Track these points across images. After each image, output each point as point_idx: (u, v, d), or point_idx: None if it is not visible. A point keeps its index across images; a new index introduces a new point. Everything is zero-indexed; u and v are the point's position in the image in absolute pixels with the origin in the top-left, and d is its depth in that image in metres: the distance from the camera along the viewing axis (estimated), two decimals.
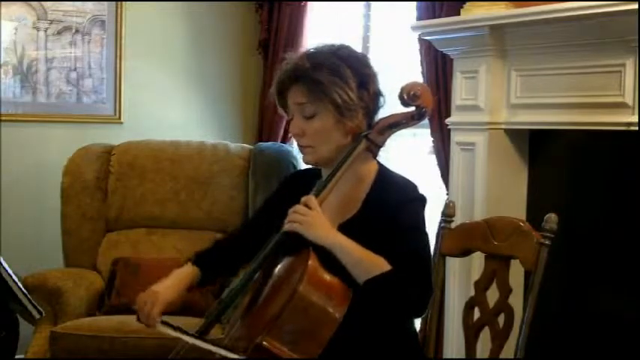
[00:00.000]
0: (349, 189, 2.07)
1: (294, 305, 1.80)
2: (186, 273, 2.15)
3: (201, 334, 2.01)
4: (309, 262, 1.86)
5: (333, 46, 2.09)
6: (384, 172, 2.11)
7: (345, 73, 2.01)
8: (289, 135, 4.52)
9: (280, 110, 2.15)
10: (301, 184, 2.14)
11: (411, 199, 2.04)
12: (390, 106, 2.11)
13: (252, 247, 2.13)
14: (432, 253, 2.06)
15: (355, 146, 2.03)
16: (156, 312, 2.04)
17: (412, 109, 2.03)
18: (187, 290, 2.16)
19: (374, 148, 2.04)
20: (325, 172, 2.11)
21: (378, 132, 2.03)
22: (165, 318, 2.06)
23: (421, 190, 2.09)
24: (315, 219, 1.95)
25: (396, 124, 2.04)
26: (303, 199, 1.98)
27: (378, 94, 2.08)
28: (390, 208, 2.00)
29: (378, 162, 2.14)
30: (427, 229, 2.05)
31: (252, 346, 1.79)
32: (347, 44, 2.14)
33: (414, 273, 1.91)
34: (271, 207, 2.25)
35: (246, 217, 4.05)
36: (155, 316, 2.04)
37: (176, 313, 3.30)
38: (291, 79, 2.05)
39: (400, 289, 1.90)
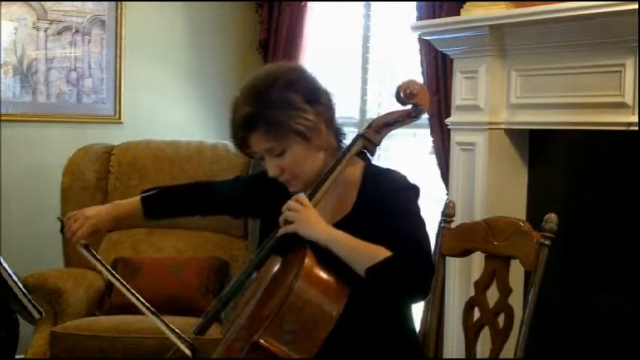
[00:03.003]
0: (339, 192, 2.07)
1: (290, 303, 1.81)
2: (126, 206, 2.27)
3: (197, 334, 2.01)
4: (306, 260, 1.87)
5: (267, 76, 2.04)
6: (371, 169, 2.10)
7: (295, 100, 1.99)
8: None
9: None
10: None
11: (402, 188, 2.04)
12: (391, 106, 2.10)
13: (218, 203, 2.29)
14: (429, 236, 2.05)
15: (352, 146, 2.03)
16: (80, 233, 2.17)
17: (409, 107, 2.03)
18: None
19: (371, 147, 2.05)
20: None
21: (375, 131, 2.03)
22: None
23: (413, 181, 2.08)
24: (309, 215, 1.95)
25: (392, 122, 2.04)
26: (294, 197, 1.98)
27: (329, 98, 2.07)
28: (381, 199, 2.00)
29: (366, 160, 2.12)
30: (422, 215, 2.03)
31: (250, 345, 1.79)
32: (278, 66, 2.10)
33: (413, 256, 1.90)
34: (261, 180, 2.23)
35: (245, 219, 4.05)
36: (80, 236, 2.17)
37: (175, 314, 3.32)
38: (246, 130, 2.02)
39: (402, 273, 1.88)
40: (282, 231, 1.97)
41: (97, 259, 2.18)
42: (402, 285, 1.91)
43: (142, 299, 2.10)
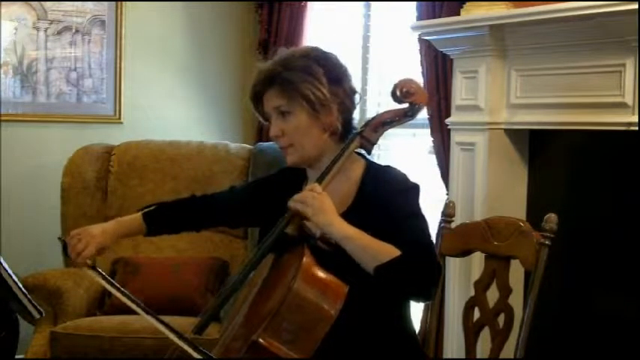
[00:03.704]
0: (339, 187, 2.07)
1: (289, 302, 1.80)
2: (130, 223, 2.25)
3: (196, 334, 2.01)
4: (304, 259, 1.87)
5: (302, 48, 2.15)
6: (372, 167, 2.12)
7: (316, 71, 2.05)
8: None
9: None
10: (294, 179, 2.17)
11: (404, 188, 2.05)
12: (391, 106, 2.11)
13: (217, 215, 2.29)
14: (432, 237, 2.06)
15: (349, 144, 2.04)
16: (87, 253, 2.13)
17: (405, 105, 2.04)
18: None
19: (368, 146, 2.06)
20: (310, 173, 2.14)
21: (372, 129, 2.04)
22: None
23: (413, 180, 2.09)
24: (325, 204, 1.95)
25: (389, 120, 2.05)
26: (310, 185, 1.98)
27: (352, 91, 2.12)
28: (384, 198, 2.01)
29: (366, 158, 2.15)
30: (424, 215, 2.05)
31: (249, 344, 1.79)
32: (317, 46, 2.19)
33: (420, 256, 1.92)
34: (257, 188, 2.30)
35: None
36: (86, 256, 2.13)
37: (175, 314, 3.32)
38: (265, 85, 2.09)
39: (411, 273, 1.90)
40: (295, 206, 1.94)
41: (106, 279, 2.13)
42: (410, 284, 1.93)
43: (156, 316, 2.03)
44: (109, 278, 2.15)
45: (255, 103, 2.14)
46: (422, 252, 1.93)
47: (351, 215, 2.02)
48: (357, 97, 2.13)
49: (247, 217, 2.34)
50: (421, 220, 2.02)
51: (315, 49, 2.13)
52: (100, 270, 2.14)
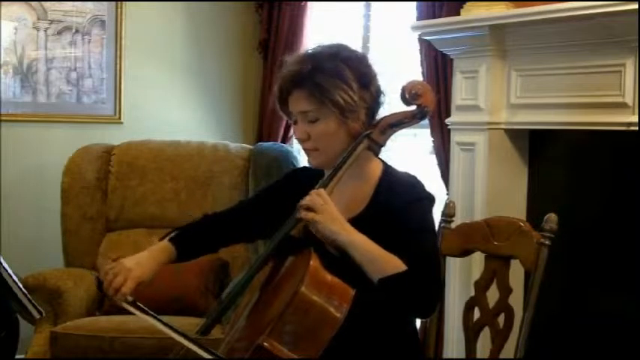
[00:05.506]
0: (354, 187, 2.07)
1: (295, 306, 1.79)
2: (161, 251, 2.12)
3: (201, 334, 2.00)
4: (311, 263, 1.85)
5: (332, 47, 2.08)
6: (390, 172, 2.11)
7: (346, 75, 2.00)
8: (289, 135, 4.53)
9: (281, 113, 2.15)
10: (302, 182, 2.14)
11: (419, 199, 2.04)
12: (392, 106, 2.11)
13: (234, 231, 2.22)
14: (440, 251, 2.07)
15: (357, 145, 2.02)
16: (126, 289, 2.00)
17: (414, 107, 2.03)
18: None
19: (375, 148, 2.04)
20: (327, 172, 2.11)
21: (380, 131, 2.03)
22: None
23: (429, 190, 2.09)
24: (333, 213, 1.94)
25: (397, 123, 2.04)
26: (314, 191, 1.96)
27: (379, 92, 2.08)
28: (398, 207, 2.00)
29: (383, 161, 2.13)
30: (435, 228, 2.05)
31: (253, 347, 1.79)
32: (345, 44, 2.13)
33: (425, 273, 1.92)
34: (266, 197, 2.25)
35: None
36: (125, 292, 2.00)
37: (176, 314, 3.32)
38: (292, 85, 2.04)
39: (414, 289, 1.91)
40: (303, 215, 1.93)
41: (149, 314, 2.00)
42: (410, 301, 1.93)
43: (199, 343, 1.92)
44: (154, 314, 2.00)
45: (281, 102, 2.09)
46: (426, 270, 1.93)
47: (363, 218, 2.02)
48: (383, 97, 2.09)
49: (264, 228, 2.21)
50: (431, 234, 2.02)
51: (345, 49, 2.07)
52: (142, 305, 2.01)
